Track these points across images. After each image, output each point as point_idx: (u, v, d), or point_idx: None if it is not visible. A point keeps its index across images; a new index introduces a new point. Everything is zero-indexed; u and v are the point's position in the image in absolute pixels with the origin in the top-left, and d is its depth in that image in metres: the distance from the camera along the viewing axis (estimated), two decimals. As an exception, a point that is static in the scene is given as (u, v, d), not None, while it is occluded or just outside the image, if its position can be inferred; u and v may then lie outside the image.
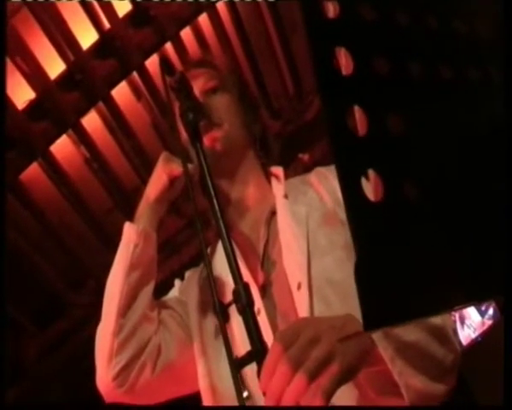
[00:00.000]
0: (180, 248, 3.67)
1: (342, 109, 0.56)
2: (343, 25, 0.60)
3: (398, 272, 0.52)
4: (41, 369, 3.92)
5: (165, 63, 1.26)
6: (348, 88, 0.57)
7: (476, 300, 0.56)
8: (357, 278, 0.51)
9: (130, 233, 1.35)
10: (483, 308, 3.59)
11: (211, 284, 1.03)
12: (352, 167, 0.54)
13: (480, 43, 0.68)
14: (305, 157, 3.46)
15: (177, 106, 1.31)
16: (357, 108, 0.57)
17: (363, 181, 0.53)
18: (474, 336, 3.57)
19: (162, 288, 1.49)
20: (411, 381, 0.98)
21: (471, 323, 3.61)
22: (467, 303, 0.56)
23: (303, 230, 1.29)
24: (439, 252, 0.54)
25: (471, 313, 3.62)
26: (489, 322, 3.53)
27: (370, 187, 0.55)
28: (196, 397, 1.34)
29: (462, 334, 3.58)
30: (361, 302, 0.50)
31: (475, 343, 3.49)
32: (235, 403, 1.17)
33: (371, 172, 0.55)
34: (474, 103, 0.64)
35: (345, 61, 0.59)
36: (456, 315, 3.58)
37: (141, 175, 3.50)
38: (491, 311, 3.55)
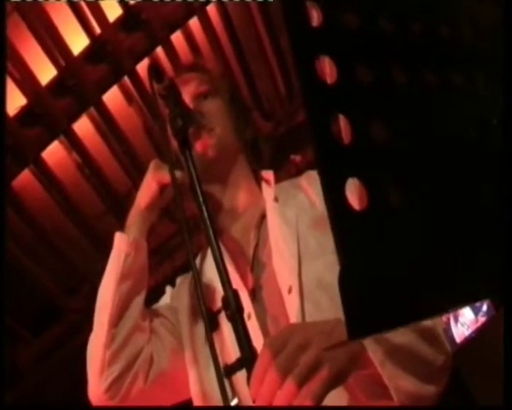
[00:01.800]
0: (173, 253, 3.66)
1: (326, 118, 0.56)
2: (326, 33, 0.60)
3: (382, 280, 0.52)
4: (36, 375, 3.90)
5: (154, 70, 1.26)
6: (332, 96, 0.58)
7: (464, 304, 0.56)
8: (341, 288, 0.51)
9: (121, 243, 1.34)
10: (477, 305, 3.59)
11: (198, 294, 1.03)
12: (336, 176, 0.54)
13: (464, 47, 0.68)
14: (298, 158, 3.45)
15: (166, 113, 1.31)
16: (341, 117, 0.57)
17: (350, 187, 0.53)
18: (467, 333, 3.57)
19: (155, 293, 1.49)
20: (401, 383, 0.98)
21: (464, 320, 3.61)
22: (454, 308, 0.57)
23: (293, 233, 1.29)
24: (425, 259, 0.54)
25: (464, 310, 3.62)
26: (482, 319, 3.53)
27: (355, 195, 0.55)
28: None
29: (455, 331, 3.58)
30: (345, 312, 0.50)
31: (469, 340, 3.49)
32: (226, 408, 1.18)
33: (355, 181, 0.55)
34: (459, 108, 0.64)
35: (329, 70, 0.59)
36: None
37: (133, 179, 3.49)
38: (484, 308, 3.55)
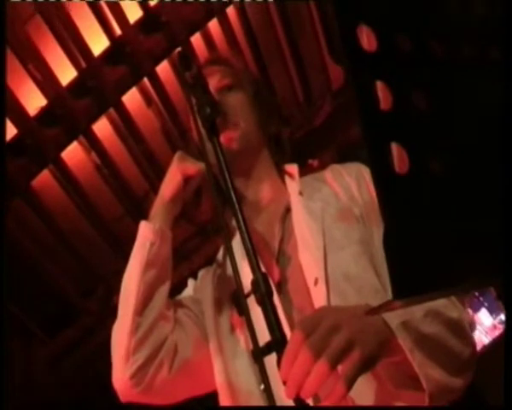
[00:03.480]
0: (190, 255, 3.67)
1: (368, 85, 0.57)
2: (366, 2, 0.61)
3: (425, 242, 0.53)
4: (51, 376, 3.91)
5: (183, 58, 1.27)
6: (373, 64, 0.58)
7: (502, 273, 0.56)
8: (386, 248, 0.51)
9: (146, 232, 1.35)
10: (494, 314, 3.60)
11: (233, 269, 1.02)
12: (379, 140, 0.54)
13: (499, 24, 0.68)
14: (315, 163, 3.46)
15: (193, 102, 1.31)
16: (380, 84, 0.58)
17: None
18: (486, 341, 3.57)
19: (173, 294, 1.49)
20: (431, 372, 0.98)
21: (483, 328, 3.61)
22: (493, 276, 0.57)
23: (318, 225, 1.30)
24: (464, 224, 0.55)
25: (482, 317, 3.62)
26: (500, 326, 3.53)
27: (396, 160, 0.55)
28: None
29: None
30: (390, 271, 0.50)
31: (489, 348, 3.49)
32: (252, 397, 1.17)
33: (395, 145, 0.55)
34: (498, 82, 0.64)
35: (368, 39, 0.59)
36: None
37: (151, 181, 3.51)
38: (502, 316, 3.55)
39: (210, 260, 1.53)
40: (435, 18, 0.65)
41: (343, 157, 1.50)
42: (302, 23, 3.51)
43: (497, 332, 3.55)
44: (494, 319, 3.59)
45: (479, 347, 3.52)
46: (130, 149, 3.49)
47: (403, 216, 0.52)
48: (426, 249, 0.52)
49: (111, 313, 1.35)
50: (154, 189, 1.43)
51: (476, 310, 3.65)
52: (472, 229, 0.54)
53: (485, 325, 3.61)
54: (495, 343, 3.48)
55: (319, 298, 1.19)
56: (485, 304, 3.64)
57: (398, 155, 0.55)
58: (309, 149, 3.64)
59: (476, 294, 3.63)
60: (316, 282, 1.21)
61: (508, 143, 0.61)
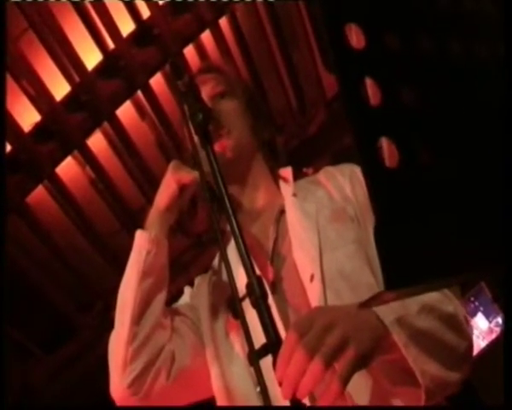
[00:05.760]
0: (187, 266, 3.66)
1: (356, 82, 0.57)
2: (354, 2, 0.61)
3: (415, 233, 0.53)
4: (49, 392, 3.89)
5: (175, 67, 1.27)
6: (361, 62, 0.59)
7: (492, 265, 0.57)
8: (377, 240, 0.52)
9: (142, 241, 1.35)
10: (490, 317, 3.61)
11: (228, 274, 1.03)
12: (367, 135, 0.55)
13: (489, 21, 0.69)
14: (310, 171, 3.47)
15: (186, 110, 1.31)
16: (369, 81, 0.59)
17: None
18: (483, 344, 3.57)
19: (171, 304, 1.48)
20: (426, 367, 0.98)
21: (480, 332, 3.62)
22: (484, 266, 0.57)
23: (313, 225, 1.30)
24: (454, 215, 0.55)
25: (479, 322, 3.63)
26: (497, 329, 3.54)
27: (386, 154, 0.56)
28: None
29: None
30: (381, 264, 0.51)
31: (485, 352, 3.49)
32: (249, 401, 1.18)
33: (385, 140, 0.56)
34: (485, 77, 0.65)
35: (356, 37, 0.60)
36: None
37: (146, 194, 3.51)
38: (498, 319, 3.56)
39: (207, 271, 1.53)
40: (424, 14, 0.66)
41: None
42: (295, 32, 3.53)
43: (493, 335, 3.56)
44: (490, 322, 3.60)
45: (476, 351, 3.53)
46: (124, 162, 3.49)
47: (393, 209, 0.53)
48: (417, 241, 0.52)
49: (109, 327, 1.34)
50: (150, 202, 1.42)
51: (472, 315, 3.66)
52: (462, 220, 0.55)
53: (482, 329, 3.62)
54: (492, 346, 3.49)
55: (315, 295, 1.19)
56: (481, 308, 3.65)
57: (388, 150, 0.56)
58: (303, 158, 3.64)
59: (472, 299, 3.65)
60: (311, 278, 1.21)
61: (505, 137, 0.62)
